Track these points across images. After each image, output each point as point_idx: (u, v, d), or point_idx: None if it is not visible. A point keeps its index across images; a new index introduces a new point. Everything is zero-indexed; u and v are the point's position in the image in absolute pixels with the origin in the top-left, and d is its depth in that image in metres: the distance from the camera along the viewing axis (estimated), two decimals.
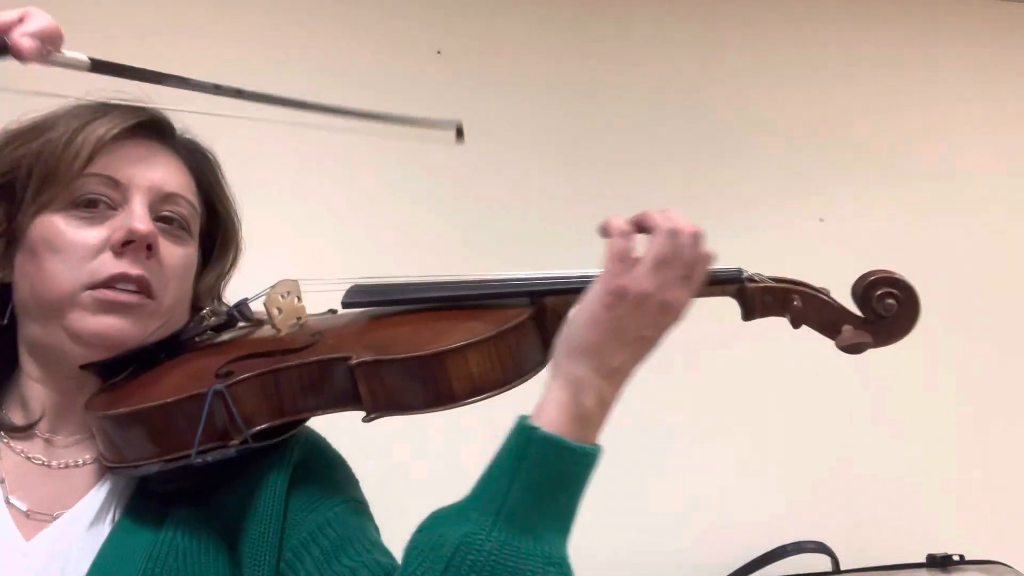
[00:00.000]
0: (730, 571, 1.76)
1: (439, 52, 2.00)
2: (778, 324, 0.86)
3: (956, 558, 1.78)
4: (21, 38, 0.70)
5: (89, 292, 0.81)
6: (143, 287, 0.82)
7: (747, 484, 1.89)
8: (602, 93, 2.05)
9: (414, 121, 0.91)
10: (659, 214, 0.74)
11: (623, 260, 0.73)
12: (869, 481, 1.94)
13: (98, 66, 0.77)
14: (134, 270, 0.81)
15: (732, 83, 2.11)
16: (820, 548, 1.76)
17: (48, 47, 0.70)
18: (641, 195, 1.97)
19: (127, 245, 0.81)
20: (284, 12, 1.94)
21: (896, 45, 2.21)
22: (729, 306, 0.85)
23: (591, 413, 0.72)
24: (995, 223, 2.13)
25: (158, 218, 0.86)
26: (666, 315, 0.74)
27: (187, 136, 0.93)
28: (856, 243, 2.01)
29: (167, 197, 0.86)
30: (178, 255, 0.87)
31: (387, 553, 0.80)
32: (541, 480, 0.69)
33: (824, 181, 2.08)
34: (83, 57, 0.75)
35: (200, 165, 0.93)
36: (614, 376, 0.73)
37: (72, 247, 0.81)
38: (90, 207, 0.83)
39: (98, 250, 0.82)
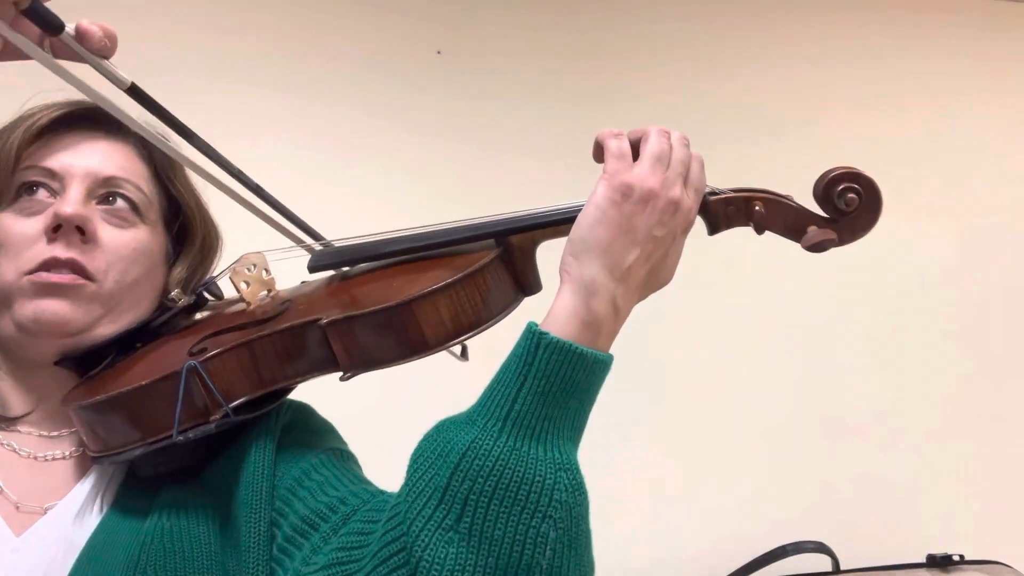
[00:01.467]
0: (730, 571, 1.76)
1: (439, 52, 2.00)
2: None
3: (956, 558, 1.77)
4: (91, 25, 0.71)
5: (27, 277, 0.81)
6: (76, 270, 0.82)
7: (747, 484, 1.89)
8: (603, 93, 2.05)
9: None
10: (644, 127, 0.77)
11: (623, 158, 0.75)
12: (869, 481, 1.94)
13: (135, 92, 0.77)
14: (64, 254, 0.81)
15: (732, 83, 2.11)
16: (820, 548, 1.76)
17: (107, 43, 0.71)
18: None
19: (58, 230, 0.81)
20: (284, 11, 1.94)
21: (896, 44, 2.21)
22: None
23: (602, 319, 0.71)
24: (997, 223, 2.13)
25: (101, 203, 0.85)
26: (674, 215, 0.74)
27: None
28: (856, 243, 2.01)
29: (106, 181, 0.85)
30: (122, 239, 0.85)
31: (371, 487, 0.81)
32: (550, 386, 0.68)
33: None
34: (126, 77, 0.74)
35: (156, 155, 0.91)
36: (627, 278, 0.72)
37: (13, 239, 0.82)
38: (31, 200, 0.83)
39: (35, 239, 0.81)
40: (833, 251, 0.84)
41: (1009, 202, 2.15)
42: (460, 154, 1.95)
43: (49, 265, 0.80)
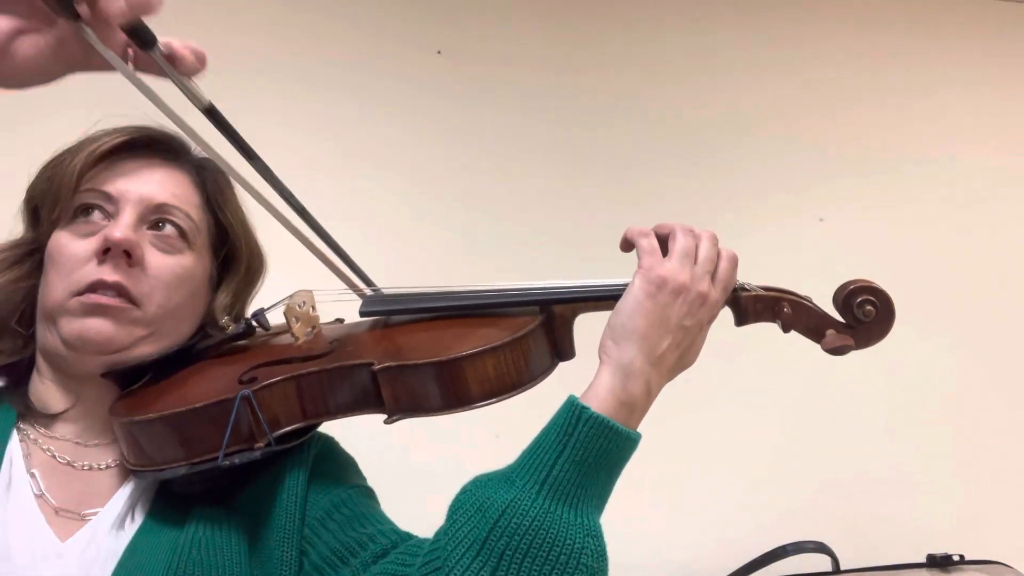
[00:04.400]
0: (730, 571, 1.76)
1: (439, 52, 2.00)
2: (775, 328, 0.88)
3: (956, 558, 1.77)
4: (183, 48, 0.74)
5: (76, 298, 0.84)
6: (121, 293, 0.85)
7: (747, 484, 1.89)
8: (602, 93, 2.05)
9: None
10: (669, 223, 0.83)
11: (655, 253, 0.81)
12: (869, 481, 1.93)
13: (211, 113, 0.79)
14: (111, 277, 0.84)
15: (731, 84, 2.11)
16: (820, 548, 1.75)
17: (198, 65, 0.73)
18: (642, 194, 1.98)
19: (107, 253, 0.85)
20: (284, 12, 1.94)
21: (896, 44, 2.21)
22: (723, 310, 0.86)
23: (637, 399, 0.78)
24: (996, 222, 2.13)
25: (152, 228, 0.89)
26: (702, 307, 0.81)
27: (199, 155, 0.96)
28: (856, 243, 2.01)
29: (158, 208, 0.89)
30: (167, 264, 0.89)
31: (398, 528, 0.85)
32: (586, 457, 0.74)
33: (824, 181, 2.08)
34: (205, 97, 0.77)
35: (209, 182, 0.96)
36: (660, 363, 0.79)
37: (67, 258, 0.86)
38: (87, 221, 0.87)
39: (87, 259, 0.85)
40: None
41: (1010, 203, 2.15)
42: (460, 154, 1.95)
43: (96, 287, 0.84)
